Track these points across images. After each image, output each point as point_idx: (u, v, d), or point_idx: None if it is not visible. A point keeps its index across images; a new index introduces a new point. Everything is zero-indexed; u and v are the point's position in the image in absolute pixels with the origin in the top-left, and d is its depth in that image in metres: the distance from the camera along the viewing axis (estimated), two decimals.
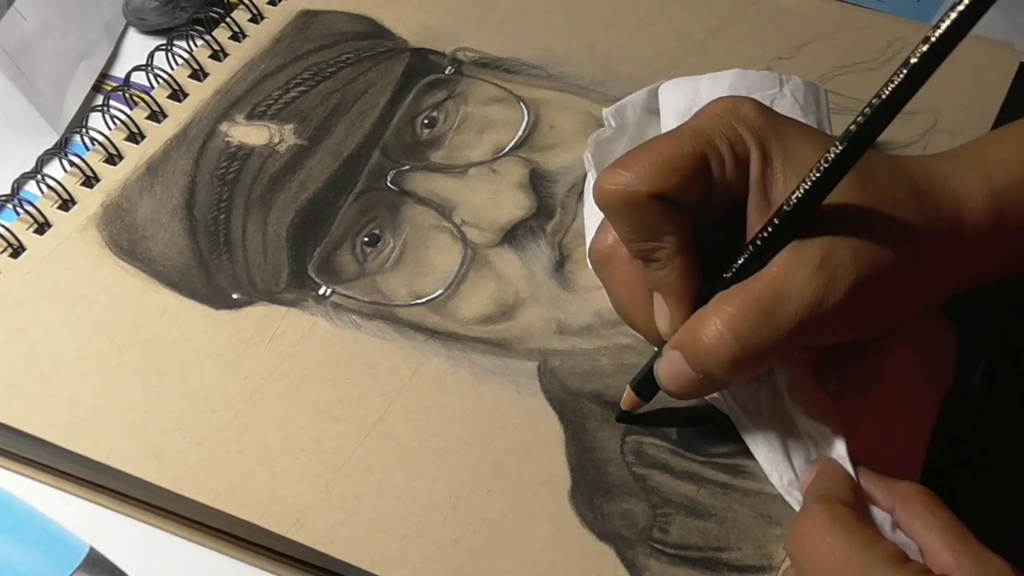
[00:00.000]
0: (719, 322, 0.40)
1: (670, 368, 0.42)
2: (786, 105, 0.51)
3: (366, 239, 0.53)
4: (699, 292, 0.42)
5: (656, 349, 0.44)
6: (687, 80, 0.52)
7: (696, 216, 0.42)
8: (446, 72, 0.60)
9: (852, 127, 0.39)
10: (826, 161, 0.39)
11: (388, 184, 0.55)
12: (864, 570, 0.36)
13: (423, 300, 0.51)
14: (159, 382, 0.48)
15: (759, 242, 0.40)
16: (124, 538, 0.46)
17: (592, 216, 0.51)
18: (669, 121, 0.51)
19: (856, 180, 0.40)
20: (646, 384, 0.45)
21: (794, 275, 0.39)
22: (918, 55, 0.37)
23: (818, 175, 0.39)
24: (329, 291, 0.51)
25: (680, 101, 0.51)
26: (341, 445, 0.46)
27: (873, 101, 0.38)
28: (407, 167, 0.56)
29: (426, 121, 0.58)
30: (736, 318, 0.39)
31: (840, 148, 0.39)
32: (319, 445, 0.46)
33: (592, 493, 0.45)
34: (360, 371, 0.48)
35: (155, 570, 0.45)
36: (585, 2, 0.63)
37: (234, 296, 0.51)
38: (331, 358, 0.49)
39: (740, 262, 0.41)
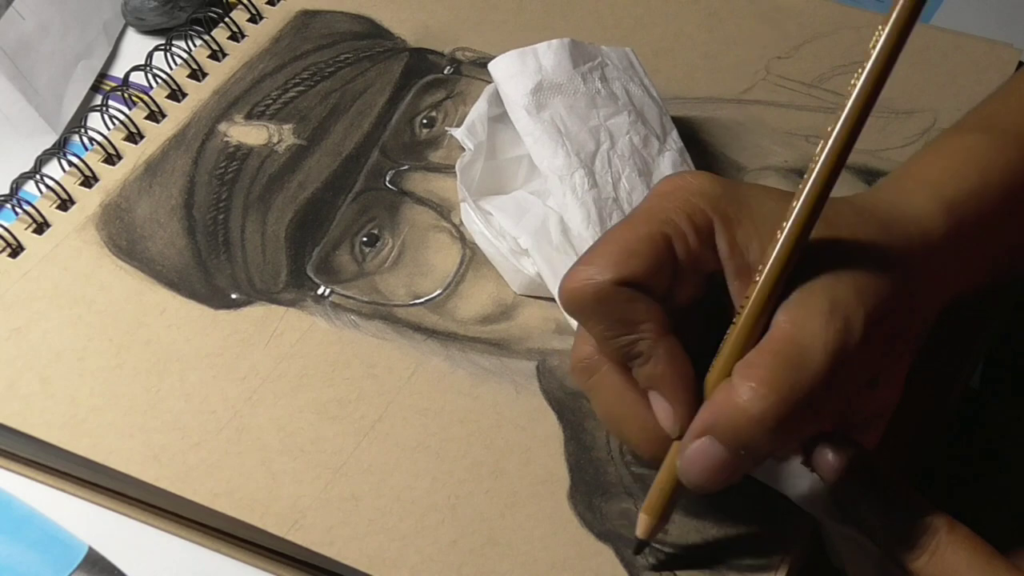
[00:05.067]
0: (753, 384, 0.38)
1: (701, 458, 0.39)
2: (612, 72, 0.53)
3: (365, 239, 0.53)
4: (694, 378, 0.40)
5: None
6: (519, 53, 0.52)
7: (669, 302, 0.40)
8: (445, 72, 0.60)
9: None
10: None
11: (387, 184, 0.55)
12: None
13: (422, 300, 0.51)
14: (158, 382, 0.48)
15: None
16: (123, 538, 0.46)
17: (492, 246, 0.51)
18: (517, 99, 0.51)
19: (825, 226, 0.39)
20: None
21: (809, 326, 0.38)
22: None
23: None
24: (328, 291, 0.51)
25: (525, 78, 0.52)
26: (340, 445, 0.46)
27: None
28: (406, 167, 0.56)
29: (425, 121, 0.58)
30: (768, 376, 0.37)
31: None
32: (318, 445, 0.46)
33: (591, 493, 0.45)
34: (359, 371, 0.48)
35: (154, 570, 0.45)
36: (583, 2, 0.63)
37: (233, 296, 0.51)
38: (330, 358, 0.49)
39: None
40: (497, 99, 0.53)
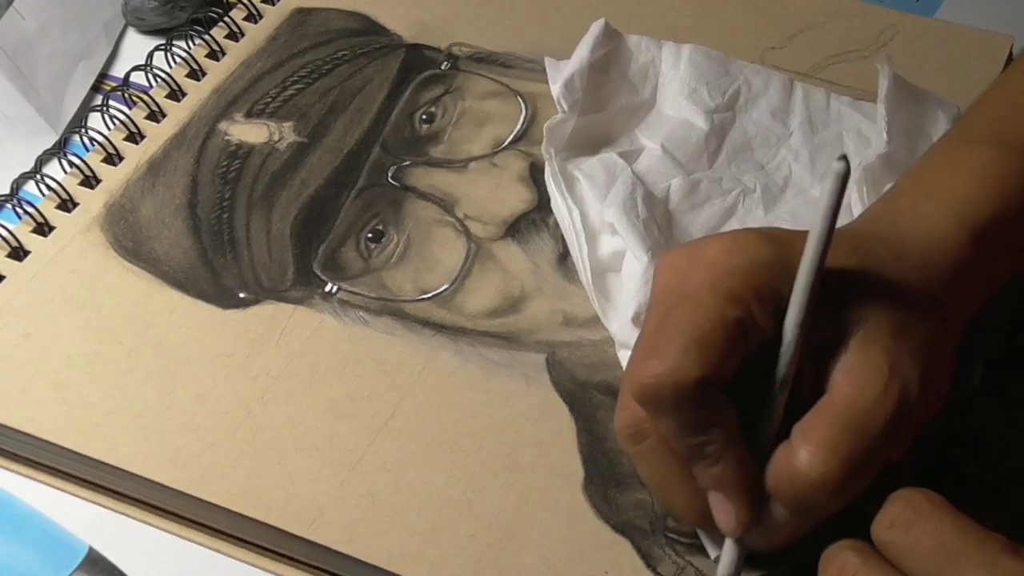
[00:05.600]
0: (814, 448, 0.38)
1: (767, 523, 0.39)
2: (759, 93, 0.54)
3: (370, 235, 0.53)
4: (756, 480, 0.40)
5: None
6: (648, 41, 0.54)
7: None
8: (442, 67, 0.60)
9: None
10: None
11: (389, 180, 0.55)
12: (985, 559, 0.35)
13: (429, 295, 0.51)
14: (170, 384, 0.48)
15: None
16: (123, 538, 0.46)
17: (564, 216, 0.51)
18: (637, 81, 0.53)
19: (866, 268, 0.39)
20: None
21: (869, 392, 0.38)
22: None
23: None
24: (335, 288, 0.51)
25: (642, 55, 0.54)
26: (354, 443, 0.46)
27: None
28: (408, 162, 0.56)
29: (424, 116, 0.58)
30: (829, 439, 0.38)
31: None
32: (332, 443, 0.46)
33: (606, 484, 0.45)
34: (370, 368, 0.49)
35: (154, 570, 0.45)
36: None
37: (241, 295, 0.51)
38: (340, 355, 0.49)
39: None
40: (598, 47, 0.53)
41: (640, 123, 0.55)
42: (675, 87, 0.55)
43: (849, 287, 0.40)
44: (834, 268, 0.39)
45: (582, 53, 0.55)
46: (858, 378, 0.38)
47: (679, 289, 0.40)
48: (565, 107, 0.54)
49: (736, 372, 0.39)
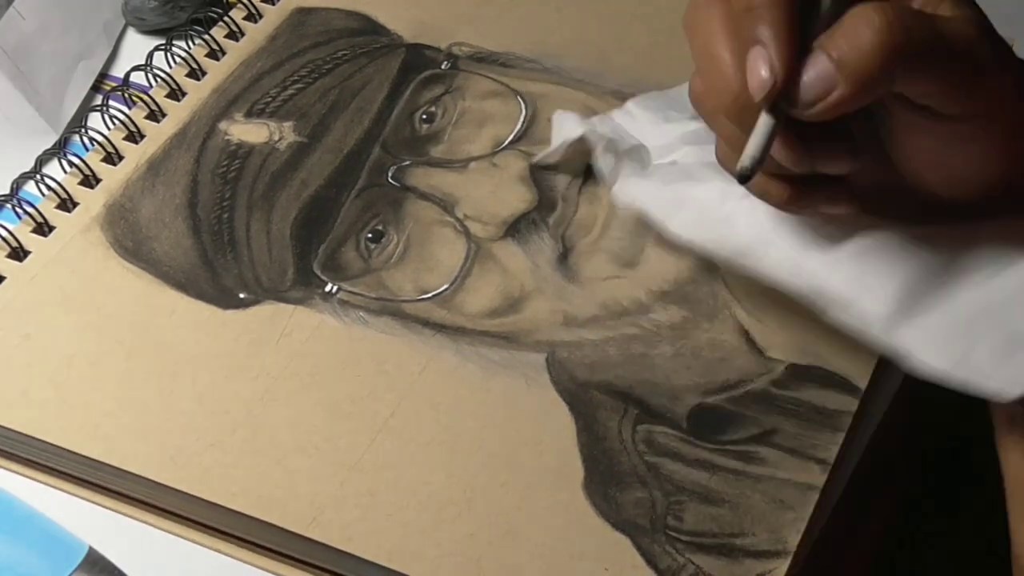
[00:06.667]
0: (880, 13, 0.37)
1: (822, 77, 0.38)
2: None
3: (370, 235, 0.53)
4: (799, 40, 0.38)
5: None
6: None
7: None
8: (442, 67, 0.60)
9: None
10: None
11: (389, 180, 0.55)
12: None
13: (429, 295, 0.51)
14: (171, 384, 0.48)
15: None
16: (123, 538, 0.46)
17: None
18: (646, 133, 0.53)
19: None
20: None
21: (966, 29, 0.39)
22: None
23: None
24: (335, 288, 0.51)
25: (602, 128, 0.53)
26: (354, 442, 0.46)
27: None
28: (408, 162, 0.56)
29: (424, 116, 0.58)
30: (898, 14, 0.38)
31: None
32: (332, 443, 0.46)
33: (605, 483, 0.45)
34: (369, 367, 0.49)
35: (154, 570, 0.46)
36: None
37: (241, 295, 0.51)
38: (340, 355, 0.49)
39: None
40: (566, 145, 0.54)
41: (650, 158, 0.53)
42: (649, 128, 0.54)
43: None
44: None
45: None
46: (961, 13, 0.39)
47: None
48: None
49: None
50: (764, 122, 0.39)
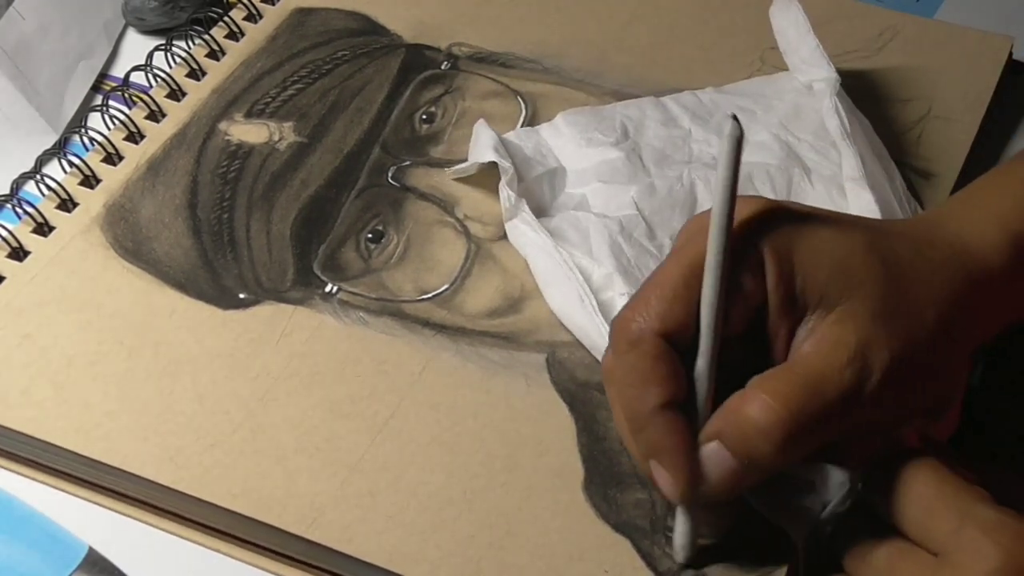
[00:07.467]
0: (765, 396, 0.39)
1: (708, 462, 0.40)
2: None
3: (370, 235, 0.53)
4: (694, 448, 0.40)
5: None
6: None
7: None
8: (442, 67, 0.60)
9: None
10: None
11: (389, 180, 0.55)
12: (965, 508, 0.36)
13: (429, 295, 0.51)
14: (171, 385, 0.48)
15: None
16: (123, 538, 0.46)
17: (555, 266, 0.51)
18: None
19: (877, 259, 0.40)
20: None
21: (830, 360, 0.39)
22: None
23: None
24: (335, 288, 0.51)
25: (526, 142, 0.54)
26: (354, 442, 0.46)
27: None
28: (408, 163, 0.56)
29: (424, 116, 0.58)
30: (781, 391, 0.39)
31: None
32: (332, 443, 0.46)
33: (605, 484, 0.45)
34: (370, 368, 0.49)
35: (154, 570, 0.46)
36: None
37: (241, 296, 0.51)
38: (340, 356, 0.49)
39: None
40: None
41: (563, 184, 0.54)
42: (571, 148, 0.54)
43: (838, 266, 0.40)
44: (830, 244, 0.40)
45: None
46: (824, 346, 0.39)
47: (676, 245, 0.42)
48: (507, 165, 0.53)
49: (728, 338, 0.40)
50: (681, 520, 0.42)
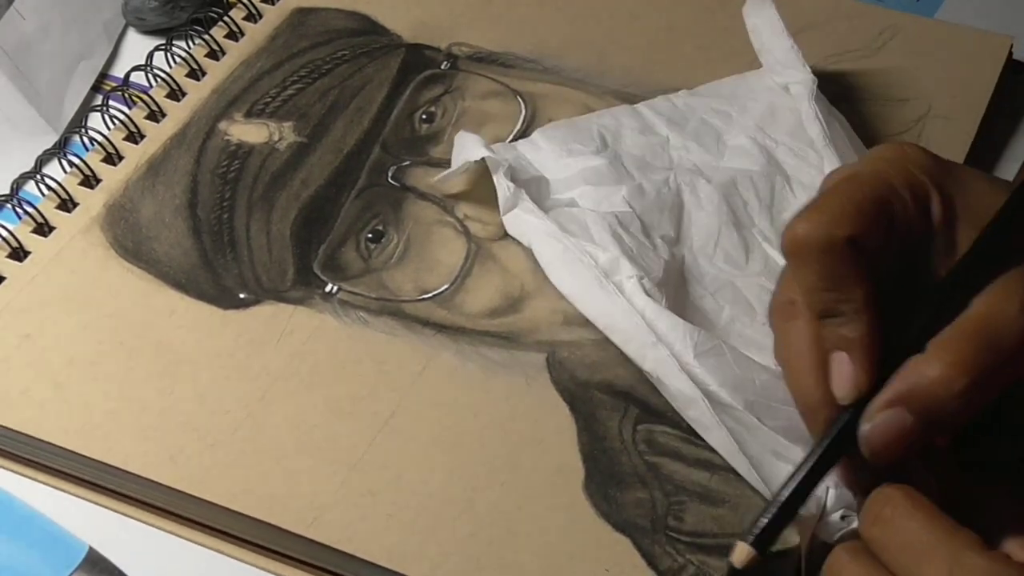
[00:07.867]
0: (949, 360, 0.38)
1: (889, 426, 0.39)
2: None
3: (370, 235, 0.53)
4: (882, 352, 0.40)
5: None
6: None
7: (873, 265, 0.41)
8: (442, 67, 0.60)
9: None
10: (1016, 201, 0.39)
11: (389, 180, 0.55)
12: (954, 554, 0.36)
13: (429, 295, 0.51)
14: (171, 384, 0.48)
15: (956, 285, 0.40)
16: (123, 538, 0.46)
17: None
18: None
19: None
20: (771, 531, 0.40)
21: (1005, 312, 0.39)
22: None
23: (1009, 215, 0.40)
24: (335, 288, 0.51)
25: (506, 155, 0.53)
26: (354, 442, 0.46)
27: None
28: (407, 162, 0.56)
29: (424, 116, 0.58)
30: (963, 355, 0.39)
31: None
32: (332, 443, 0.46)
33: (606, 483, 0.45)
34: (370, 367, 0.49)
35: (154, 570, 0.46)
36: None
37: (241, 296, 0.51)
38: (340, 355, 0.49)
39: (935, 305, 0.40)
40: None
41: (548, 192, 0.53)
42: (552, 160, 0.54)
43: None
44: (988, 199, 0.41)
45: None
46: (995, 301, 0.39)
47: (843, 171, 0.42)
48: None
49: (882, 256, 0.40)
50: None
